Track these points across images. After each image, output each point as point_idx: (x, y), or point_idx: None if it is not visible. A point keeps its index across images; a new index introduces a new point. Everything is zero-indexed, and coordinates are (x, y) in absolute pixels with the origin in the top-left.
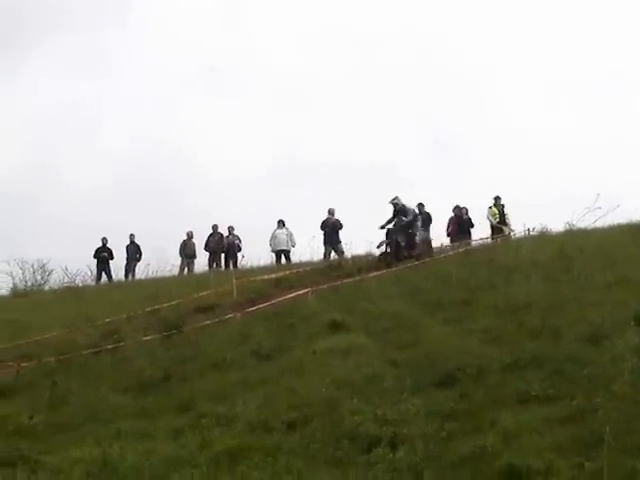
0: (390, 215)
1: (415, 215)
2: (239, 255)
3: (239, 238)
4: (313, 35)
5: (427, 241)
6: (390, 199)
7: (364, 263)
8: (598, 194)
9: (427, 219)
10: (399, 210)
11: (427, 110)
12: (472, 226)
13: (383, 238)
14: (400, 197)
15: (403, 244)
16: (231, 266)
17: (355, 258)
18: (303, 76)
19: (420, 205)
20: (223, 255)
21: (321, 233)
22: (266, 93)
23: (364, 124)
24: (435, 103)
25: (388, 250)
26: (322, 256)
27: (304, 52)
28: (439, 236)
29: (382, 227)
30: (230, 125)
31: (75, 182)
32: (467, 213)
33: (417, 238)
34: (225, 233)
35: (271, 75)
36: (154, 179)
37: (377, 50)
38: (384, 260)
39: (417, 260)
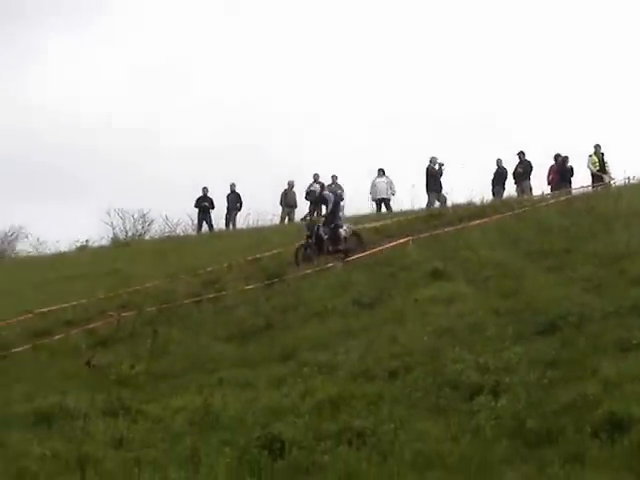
0: (310, 206)
1: (336, 202)
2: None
3: (342, 187)
4: None
5: (355, 233)
6: (306, 189)
7: (465, 211)
8: None
9: (528, 168)
10: (318, 199)
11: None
12: (572, 175)
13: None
14: (317, 185)
15: (326, 237)
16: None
17: (456, 206)
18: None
19: (521, 153)
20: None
21: (422, 181)
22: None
23: (461, 75)
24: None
25: (309, 243)
26: (424, 204)
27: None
28: (540, 184)
29: (303, 219)
30: (328, 76)
31: (171, 139)
32: (568, 161)
33: (342, 230)
34: (327, 182)
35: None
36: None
37: None
38: (302, 254)
39: (346, 256)
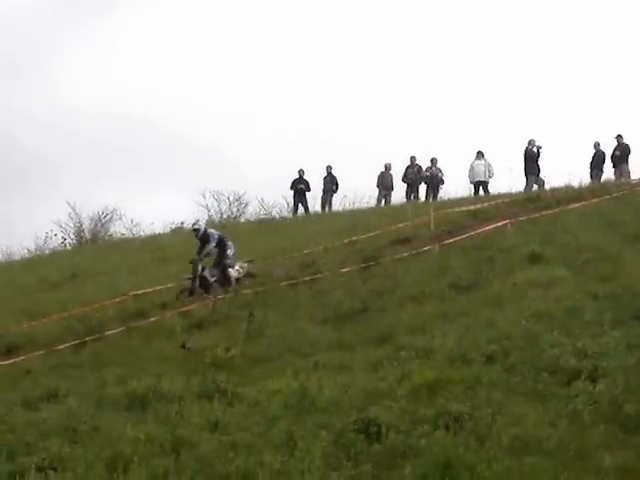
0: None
1: (222, 241)
2: (440, 187)
3: (441, 171)
4: None
5: (252, 274)
6: (192, 224)
7: (563, 195)
8: None
9: (626, 150)
10: (202, 237)
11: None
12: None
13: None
14: (202, 221)
15: (213, 279)
16: (430, 198)
17: (554, 190)
18: None
19: (619, 136)
20: (423, 187)
21: (520, 164)
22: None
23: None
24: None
25: (193, 285)
26: (522, 187)
27: None
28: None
29: (194, 260)
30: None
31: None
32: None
33: (232, 270)
34: (426, 165)
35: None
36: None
37: None
38: (182, 296)
39: (235, 294)
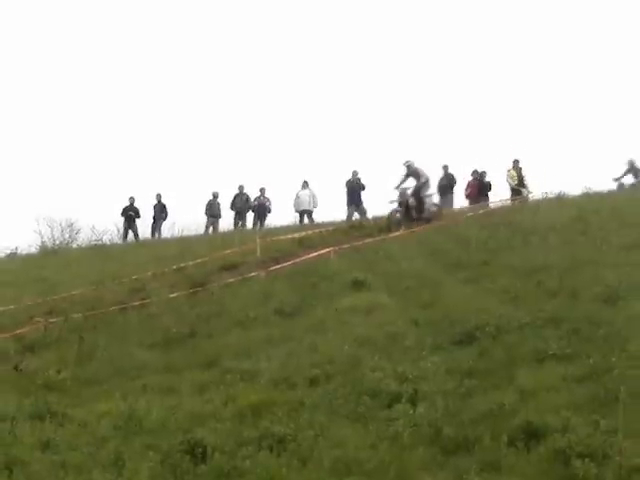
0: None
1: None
2: (267, 216)
3: (269, 200)
4: None
5: (437, 205)
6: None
7: (385, 223)
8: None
9: (452, 181)
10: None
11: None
12: (490, 189)
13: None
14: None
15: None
16: (258, 226)
17: (376, 218)
18: None
19: (445, 167)
20: (250, 215)
21: (344, 195)
22: None
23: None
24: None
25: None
26: (345, 216)
27: None
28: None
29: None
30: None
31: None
32: (485, 176)
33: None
34: (255, 194)
35: None
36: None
37: None
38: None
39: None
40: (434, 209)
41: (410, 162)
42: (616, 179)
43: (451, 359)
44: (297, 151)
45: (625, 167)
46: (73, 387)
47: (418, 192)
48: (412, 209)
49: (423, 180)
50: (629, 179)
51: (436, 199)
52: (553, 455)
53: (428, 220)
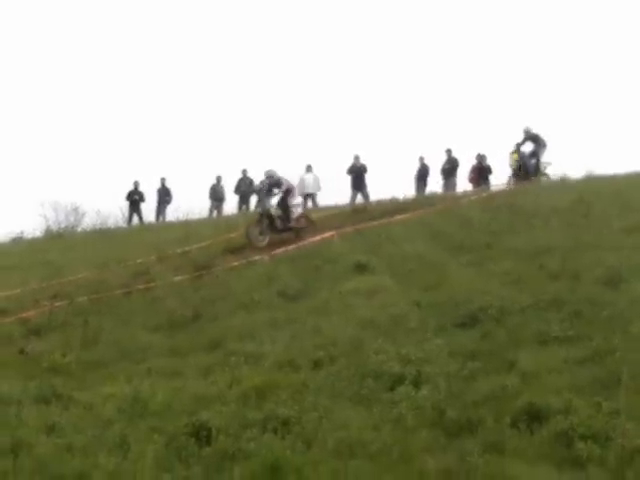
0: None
1: (292, 187)
2: None
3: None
4: None
5: (305, 216)
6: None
7: (388, 207)
8: None
9: (455, 164)
10: (531, 137)
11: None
12: (491, 173)
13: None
14: (275, 170)
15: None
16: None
17: (380, 202)
18: None
19: (449, 151)
20: (254, 198)
21: (348, 178)
22: None
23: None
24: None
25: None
26: (348, 200)
27: None
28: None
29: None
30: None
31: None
32: (485, 160)
33: (294, 211)
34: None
35: None
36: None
37: None
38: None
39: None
40: (302, 219)
41: (271, 172)
42: (515, 150)
43: (454, 341)
44: (301, 134)
45: (522, 136)
46: (78, 370)
47: (284, 200)
48: (277, 219)
49: (285, 188)
50: (528, 146)
51: (301, 208)
52: (556, 437)
53: (297, 231)
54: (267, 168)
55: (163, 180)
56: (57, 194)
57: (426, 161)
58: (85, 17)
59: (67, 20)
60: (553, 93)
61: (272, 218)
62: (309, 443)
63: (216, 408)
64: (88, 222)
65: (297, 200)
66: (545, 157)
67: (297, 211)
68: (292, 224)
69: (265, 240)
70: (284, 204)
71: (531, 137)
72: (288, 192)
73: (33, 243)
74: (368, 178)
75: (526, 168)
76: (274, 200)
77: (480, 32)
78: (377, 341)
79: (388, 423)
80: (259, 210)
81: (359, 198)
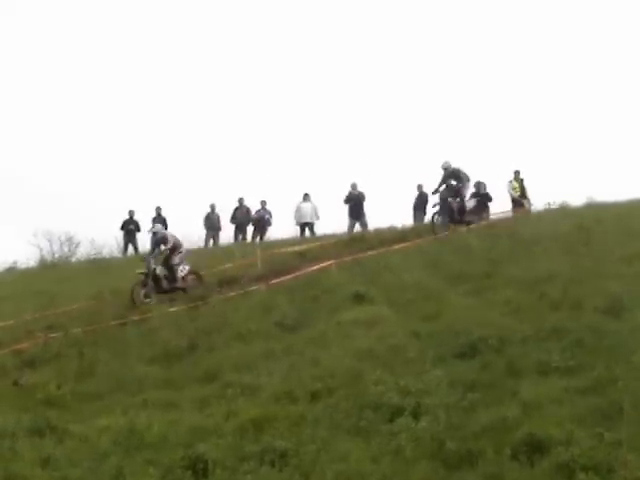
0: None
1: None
2: (267, 229)
3: (270, 213)
4: None
5: (194, 273)
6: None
7: (387, 236)
8: None
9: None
10: (449, 174)
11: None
12: (490, 200)
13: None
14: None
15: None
16: (258, 239)
17: (378, 231)
18: None
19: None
20: (250, 228)
21: (345, 207)
22: None
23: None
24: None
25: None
26: (346, 229)
27: None
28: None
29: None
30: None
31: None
32: (485, 188)
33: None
34: (255, 207)
35: None
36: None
37: None
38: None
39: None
40: (189, 277)
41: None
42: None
43: (453, 372)
44: (297, 163)
45: (442, 173)
46: (73, 402)
47: (168, 259)
48: (163, 279)
49: (171, 245)
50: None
51: (189, 266)
52: (557, 468)
53: (184, 290)
54: (153, 225)
55: (159, 209)
56: (51, 224)
57: (425, 189)
58: (71, 41)
59: (57, 50)
60: (554, 120)
61: (157, 278)
62: (307, 476)
63: (213, 440)
64: (82, 252)
65: (184, 256)
66: (468, 193)
67: (185, 269)
68: (179, 284)
69: (152, 302)
70: (169, 263)
71: (451, 174)
72: (174, 249)
73: (27, 273)
74: (366, 207)
75: (449, 211)
76: (159, 259)
77: (478, 59)
78: (376, 372)
79: (387, 455)
80: (143, 271)
81: (357, 227)
